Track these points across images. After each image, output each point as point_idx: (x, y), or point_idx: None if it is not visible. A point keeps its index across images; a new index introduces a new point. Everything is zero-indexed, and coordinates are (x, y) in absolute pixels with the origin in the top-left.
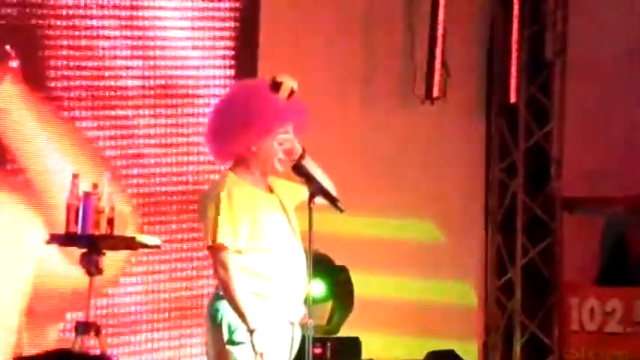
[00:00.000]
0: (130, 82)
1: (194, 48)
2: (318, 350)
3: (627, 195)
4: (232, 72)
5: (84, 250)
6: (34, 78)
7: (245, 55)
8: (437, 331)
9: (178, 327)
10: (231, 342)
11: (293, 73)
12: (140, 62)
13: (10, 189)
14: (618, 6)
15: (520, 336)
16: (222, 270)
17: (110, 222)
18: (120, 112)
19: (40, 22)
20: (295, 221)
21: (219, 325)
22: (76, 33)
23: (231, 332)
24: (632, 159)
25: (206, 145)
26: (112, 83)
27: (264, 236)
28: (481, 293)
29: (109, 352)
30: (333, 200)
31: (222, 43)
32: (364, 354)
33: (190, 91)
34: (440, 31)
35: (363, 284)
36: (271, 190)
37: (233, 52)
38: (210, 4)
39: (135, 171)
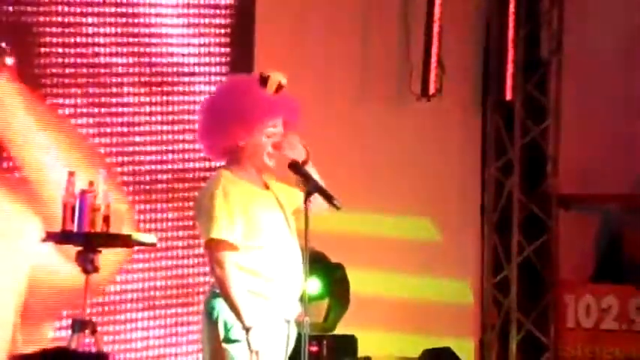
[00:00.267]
0: (125, 79)
1: (189, 45)
2: (314, 348)
3: (623, 193)
4: (228, 69)
5: (80, 248)
6: (30, 76)
7: (241, 53)
8: (433, 329)
9: (174, 324)
10: (227, 340)
11: (289, 71)
12: (136, 59)
13: (6, 186)
14: (613, 4)
15: (516, 333)
16: (217, 267)
17: (106, 220)
18: (117, 109)
19: (36, 19)
20: (292, 219)
21: (215, 323)
22: (72, 30)
23: (227, 330)
24: (628, 156)
25: (199, 143)
26: (108, 80)
27: (260, 233)
28: (477, 291)
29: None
30: (329, 198)
31: (217, 40)
32: (360, 352)
33: (188, 88)
34: (436, 29)
35: (360, 282)
36: (267, 187)
37: (228, 49)
38: (206, 2)
39: (131, 168)
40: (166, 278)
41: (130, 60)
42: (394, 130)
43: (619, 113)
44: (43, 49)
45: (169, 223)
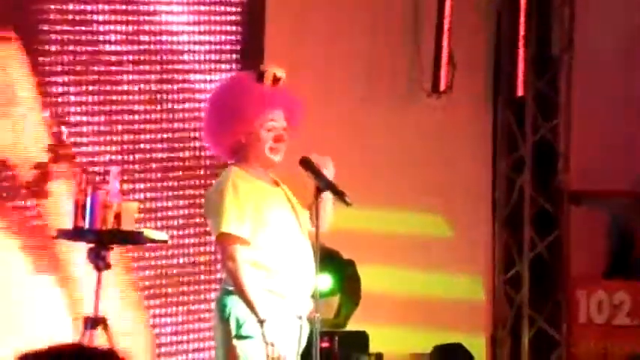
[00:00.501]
0: (136, 77)
1: (200, 42)
2: (325, 344)
3: (634, 189)
4: (238, 67)
5: (91, 245)
6: (40, 71)
7: (250, 51)
8: (444, 325)
9: (187, 322)
10: (239, 336)
11: (298, 68)
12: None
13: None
14: (625, 1)
15: (528, 329)
16: (229, 261)
17: (117, 217)
18: (128, 107)
19: (39, 7)
20: (305, 216)
21: (227, 320)
22: (82, 28)
23: (239, 327)
24: (639, 153)
25: (205, 143)
26: (118, 77)
27: (270, 229)
28: (489, 287)
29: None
30: (340, 194)
31: (227, 38)
32: (371, 348)
33: (198, 86)
34: (447, 25)
35: (371, 278)
36: (277, 184)
37: (238, 47)
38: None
39: (142, 166)
40: (179, 275)
41: (141, 57)
42: (405, 126)
43: (630, 110)
44: (44, 37)
45: (180, 220)
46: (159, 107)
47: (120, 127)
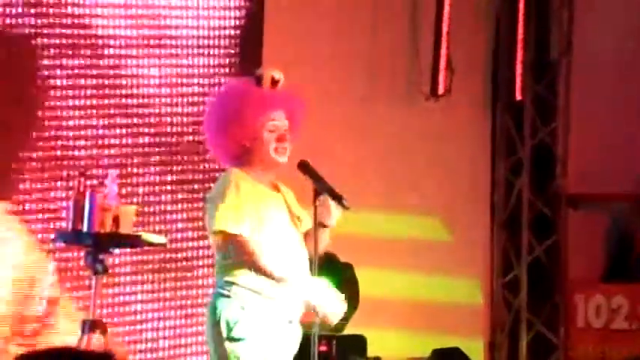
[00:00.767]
0: (134, 81)
1: (199, 46)
2: (323, 348)
3: (632, 192)
4: (236, 70)
5: (89, 248)
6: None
7: (249, 52)
8: (442, 329)
9: (183, 325)
10: (231, 339)
11: (297, 70)
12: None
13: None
14: (624, 4)
15: (526, 333)
16: (238, 251)
17: (116, 220)
18: (127, 110)
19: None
20: (306, 220)
21: (218, 322)
22: (81, 32)
23: (229, 329)
24: (636, 156)
25: (210, 151)
26: (118, 81)
27: (265, 232)
28: (487, 291)
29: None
30: (337, 198)
31: (227, 40)
32: (370, 351)
33: (198, 89)
34: (445, 29)
35: (369, 282)
36: (277, 189)
37: (237, 50)
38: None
39: (141, 170)
40: (176, 279)
41: (140, 62)
42: (403, 129)
43: (628, 113)
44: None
45: (179, 225)
46: (157, 111)
47: (118, 131)
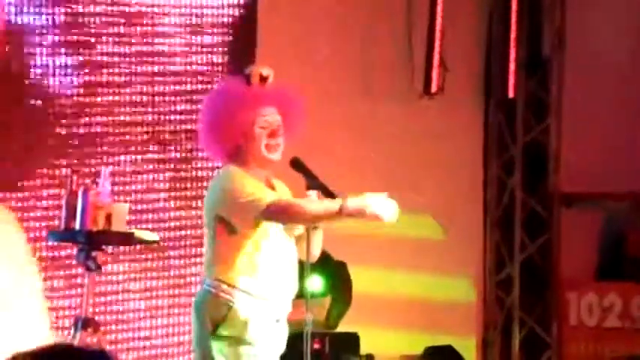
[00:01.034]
0: (127, 78)
1: (192, 44)
2: (316, 345)
3: (625, 191)
4: (230, 69)
5: (82, 246)
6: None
7: (243, 50)
8: (435, 327)
9: (180, 324)
10: (215, 336)
11: (292, 68)
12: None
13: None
14: (623, 2)
15: (519, 331)
16: (288, 210)
17: (108, 218)
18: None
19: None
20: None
21: (203, 320)
22: (75, 30)
23: (214, 327)
24: (630, 155)
25: (205, 152)
26: (111, 79)
27: (263, 229)
28: (480, 289)
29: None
30: (330, 195)
31: (221, 38)
32: (363, 349)
33: (191, 87)
34: (438, 26)
35: (362, 279)
36: (272, 188)
37: (232, 48)
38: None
39: (134, 167)
40: (168, 278)
41: (133, 59)
42: (396, 127)
43: (621, 112)
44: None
45: (172, 223)
46: (151, 109)
47: (111, 130)
